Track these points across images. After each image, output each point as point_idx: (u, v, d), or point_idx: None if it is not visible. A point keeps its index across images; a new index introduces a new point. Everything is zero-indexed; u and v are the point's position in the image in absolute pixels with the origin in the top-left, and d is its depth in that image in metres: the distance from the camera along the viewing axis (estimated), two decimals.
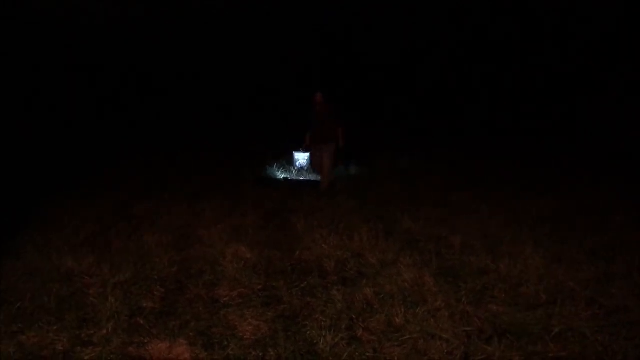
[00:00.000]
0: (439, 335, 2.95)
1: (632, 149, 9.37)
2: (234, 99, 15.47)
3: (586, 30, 12.35)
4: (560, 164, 8.65)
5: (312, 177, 7.61)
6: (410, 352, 2.83)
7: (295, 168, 8.05)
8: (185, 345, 2.92)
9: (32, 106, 11.96)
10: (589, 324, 3.06)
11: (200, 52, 15.20)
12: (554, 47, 13.21)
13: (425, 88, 15.13)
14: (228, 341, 2.95)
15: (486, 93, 14.50)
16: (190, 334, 3.04)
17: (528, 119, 13.02)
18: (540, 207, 5.78)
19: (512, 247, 4.39)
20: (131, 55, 14.35)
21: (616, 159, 8.86)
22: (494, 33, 13.93)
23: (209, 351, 2.86)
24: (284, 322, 3.18)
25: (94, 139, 11.09)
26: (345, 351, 2.83)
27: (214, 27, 14.82)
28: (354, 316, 3.20)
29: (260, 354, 2.82)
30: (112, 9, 13.20)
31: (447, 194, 6.50)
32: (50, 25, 12.19)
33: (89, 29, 13.08)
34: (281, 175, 7.81)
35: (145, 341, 2.96)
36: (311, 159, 7.58)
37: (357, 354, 2.82)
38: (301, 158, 8.02)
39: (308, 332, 3.04)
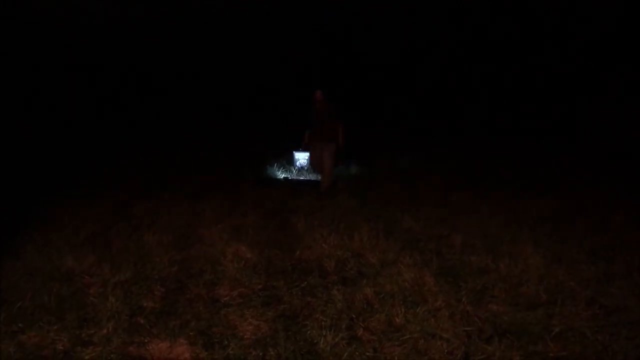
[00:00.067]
0: (439, 334, 2.95)
1: (632, 149, 9.37)
2: (234, 99, 15.46)
3: (586, 30, 12.35)
4: (560, 164, 8.66)
5: (312, 176, 7.61)
6: (411, 351, 2.83)
7: (296, 168, 8.05)
8: (186, 344, 2.92)
9: (32, 106, 11.95)
10: (589, 324, 3.06)
11: (200, 52, 15.19)
12: (554, 47, 13.21)
13: (425, 88, 15.13)
14: (228, 341, 2.95)
15: (486, 93, 14.49)
16: (191, 333, 3.04)
17: (528, 119, 13.02)
18: (540, 207, 5.78)
19: (513, 247, 4.39)
20: (131, 55, 14.34)
21: (616, 159, 8.86)
22: (494, 33, 13.92)
23: (209, 351, 2.86)
24: (284, 321, 3.18)
25: (94, 139, 11.09)
26: (346, 351, 2.83)
27: (214, 27, 14.81)
28: (354, 316, 3.21)
29: (261, 354, 2.82)
30: (112, 9, 13.20)
31: (447, 194, 6.50)
32: (50, 25, 12.18)
33: (89, 29, 13.08)
34: (281, 175, 7.81)
35: (146, 341, 2.96)
36: (310, 159, 7.58)
37: (357, 353, 2.82)
38: (301, 158, 8.02)
39: (308, 332, 3.04)
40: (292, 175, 7.82)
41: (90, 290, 3.58)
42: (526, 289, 3.57)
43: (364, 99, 14.86)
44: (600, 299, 3.39)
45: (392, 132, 12.62)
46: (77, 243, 4.58)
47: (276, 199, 6.32)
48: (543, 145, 10.61)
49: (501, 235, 4.73)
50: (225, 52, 15.38)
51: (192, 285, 3.71)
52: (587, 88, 12.44)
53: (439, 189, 6.81)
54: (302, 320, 3.20)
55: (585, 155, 9.36)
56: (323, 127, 6.80)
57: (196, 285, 3.71)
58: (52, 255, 4.18)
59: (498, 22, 13.78)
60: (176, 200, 6.16)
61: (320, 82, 7.17)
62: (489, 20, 13.98)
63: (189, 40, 14.89)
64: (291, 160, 8.15)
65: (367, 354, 2.83)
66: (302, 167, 8.00)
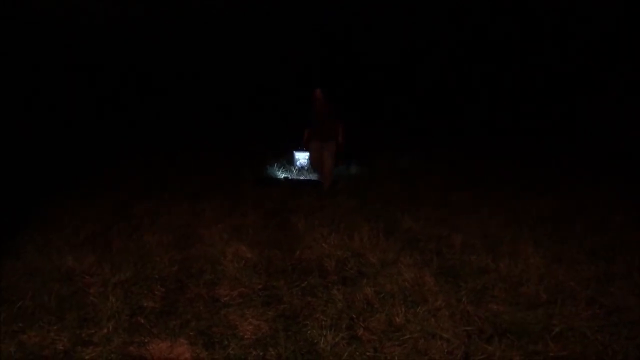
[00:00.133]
0: (439, 334, 2.95)
1: (632, 149, 9.37)
2: (234, 99, 15.46)
3: (586, 30, 12.35)
4: (560, 164, 8.66)
5: (313, 176, 7.61)
6: (411, 351, 2.83)
7: (296, 167, 8.05)
8: (186, 344, 2.92)
9: (32, 106, 11.95)
10: (590, 324, 3.06)
11: (200, 52, 15.19)
12: (554, 47, 13.21)
13: (425, 88, 15.13)
14: (228, 340, 2.95)
15: (486, 93, 14.49)
16: (191, 333, 3.04)
17: (528, 119, 13.01)
18: (540, 207, 5.78)
19: (513, 247, 4.40)
20: (131, 55, 14.34)
21: (616, 159, 8.86)
22: (494, 33, 13.92)
23: (210, 350, 2.86)
24: (285, 321, 3.18)
25: (94, 139, 11.09)
26: (346, 350, 2.83)
27: (214, 27, 14.81)
28: (354, 315, 3.21)
29: (261, 354, 2.83)
30: (112, 9, 13.20)
31: (447, 194, 6.50)
32: (50, 25, 12.18)
33: (89, 29, 13.08)
34: (282, 175, 7.81)
35: (146, 340, 2.96)
36: (310, 159, 7.58)
37: (357, 353, 2.83)
38: (302, 157, 8.01)
39: (308, 332, 3.04)
40: (293, 175, 7.82)
41: (90, 290, 3.59)
42: (526, 289, 3.57)
43: (364, 99, 14.86)
44: (601, 299, 3.39)
45: (392, 132, 12.62)
46: (77, 243, 4.58)
47: (276, 198, 6.32)
48: (543, 145, 10.60)
49: (501, 235, 4.73)
50: (225, 52, 15.37)
51: (192, 285, 3.71)
52: (587, 88, 12.44)
53: (439, 189, 6.81)
54: (302, 320, 3.20)
55: (585, 155, 9.36)
56: (323, 126, 6.79)
57: (196, 285, 3.71)
58: (52, 255, 4.18)
59: (498, 22, 13.78)
60: (176, 200, 6.16)
61: (320, 82, 7.15)
62: (489, 20, 13.98)
63: (189, 40, 14.89)
64: (291, 160, 8.15)
65: (368, 353, 2.83)
66: (302, 167, 8.00)
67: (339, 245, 4.46)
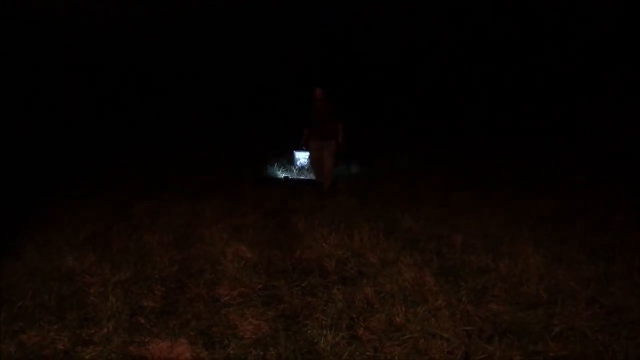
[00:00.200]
0: (439, 334, 2.95)
1: (632, 149, 9.37)
2: (234, 99, 15.46)
3: (586, 30, 12.35)
4: (560, 164, 8.65)
5: (313, 176, 7.61)
6: (411, 351, 2.83)
7: (296, 167, 8.04)
8: (186, 344, 2.92)
9: (32, 106, 11.95)
10: (590, 324, 3.06)
11: (200, 52, 15.19)
12: (554, 47, 13.21)
13: (425, 88, 15.13)
14: (229, 340, 2.95)
15: (486, 93, 14.49)
16: (191, 333, 3.04)
17: (528, 119, 13.01)
18: (540, 207, 5.78)
19: (513, 247, 4.39)
20: (131, 55, 14.34)
21: (616, 159, 8.86)
22: (494, 33, 13.92)
23: (210, 350, 2.86)
24: (285, 321, 3.18)
25: (94, 139, 11.09)
26: (346, 350, 2.83)
27: (214, 27, 14.82)
28: (354, 315, 3.20)
29: (261, 353, 2.82)
30: (112, 9, 13.21)
31: (447, 194, 6.50)
32: (50, 25, 12.18)
33: (89, 29, 13.08)
34: (282, 175, 7.80)
35: (146, 340, 2.96)
36: (310, 158, 7.58)
37: (357, 353, 2.82)
38: (302, 157, 8.00)
39: (309, 331, 3.04)
40: (293, 175, 7.81)
41: (90, 289, 3.59)
42: (526, 289, 3.56)
43: (364, 99, 14.86)
44: (601, 299, 3.39)
45: (393, 132, 12.62)
46: (77, 243, 4.58)
47: (276, 198, 6.32)
48: (543, 145, 10.60)
49: (501, 235, 4.72)
50: (225, 52, 15.38)
51: (192, 285, 3.71)
52: (587, 88, 12.44)
53: (439, 189, 6.81)
54: (302, 319, 3.19)
55: (585, 155, 9.35)
56: (323, 126, 6.79)
57: (196, 285, 3.71)
58: (52, 255, 4.18)
59: (498, 22, 13.79)
60: (176, 200, 6.16)
61: (320, 82, 7.15)
62: (489, 20, 13.98)
63: (189, 40, 14.89)
64: (292, 160, 8.15)
65: (368, 353, 2.83)
66: (302, 167, 7.99)
67: (339, 245, 4.46)
